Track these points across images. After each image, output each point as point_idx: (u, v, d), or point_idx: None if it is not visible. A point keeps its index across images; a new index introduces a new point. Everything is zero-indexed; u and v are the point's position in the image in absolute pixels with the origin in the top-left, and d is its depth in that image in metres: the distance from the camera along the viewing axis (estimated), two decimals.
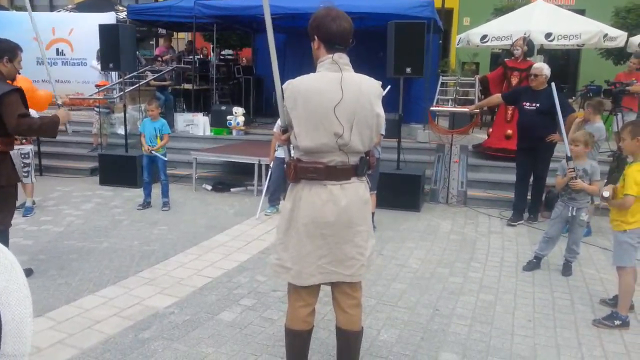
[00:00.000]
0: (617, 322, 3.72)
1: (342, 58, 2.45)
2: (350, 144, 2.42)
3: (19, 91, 3.99)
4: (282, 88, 2.48)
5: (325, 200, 2.45)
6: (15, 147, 6.26)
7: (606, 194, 3.81)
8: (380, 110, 2.48)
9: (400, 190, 6.82)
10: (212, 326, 3.59)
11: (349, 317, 2.65)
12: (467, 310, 3.96)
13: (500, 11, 13.31)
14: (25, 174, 6.32)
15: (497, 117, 8.21)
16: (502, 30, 10.25)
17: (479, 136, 9.27)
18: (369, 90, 2.45)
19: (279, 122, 2.65)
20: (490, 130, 8.38)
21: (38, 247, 5.19)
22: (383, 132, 5.59)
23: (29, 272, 4.45)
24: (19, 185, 6.37)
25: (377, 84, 2.52)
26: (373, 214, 5.85)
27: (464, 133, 7.89)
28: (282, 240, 2.58)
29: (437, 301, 4.10)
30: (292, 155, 2.57)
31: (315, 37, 2.47)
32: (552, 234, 4.79)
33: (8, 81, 4.05)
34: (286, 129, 2.54)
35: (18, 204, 6.43)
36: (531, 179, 6.39)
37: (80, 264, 4.74)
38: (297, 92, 2.40)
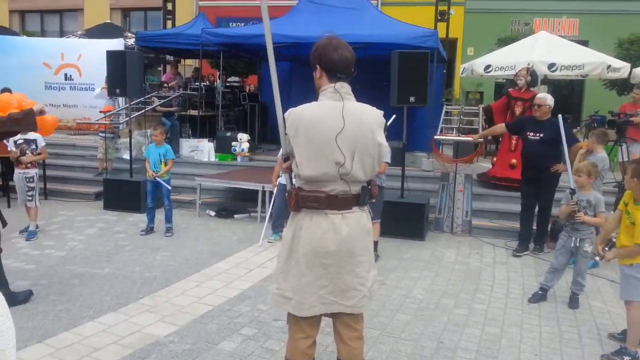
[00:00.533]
0: (626, 358, 3.64)
1: (344, 87, 2.46)
2: (352, 173, 2.41)
3: None
4: (283, 116, 2.47)
5: (326, 230, 2.43)
6: (20, 170, 6.34)
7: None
8: (382, 139, 2.48)
9: (404, 219, 6.78)
10: (212, 356, 3.53)
11: (351, 350, 2.59)
12: (472, 343, 3.89)
13: (503, 42, 13.43)
14: (30, 198, 6.33)
15: (501, 146, 8.21)
16: (506, 60, 10.32)
17: (484, 165, 9.27)
18: (370, 119, 2.45)
19: None
20: (495, 159, 8.37)
21: (40, 271, 5.16)
22: (389, 161, 5.61)
23: (29, 294, 4.41)
24: (24, 209, 6.41)
25: (378, 112, 2.52)
26: (376, 242, 5.82)
27: (468, 162, 7.89)
28: (283, 270, 2.55)
29: (441, 333, 4.03)
30: (294, 183, 2.56)
31: (317, 67, 2.48)
32: (557, 265, 4.73)
33: None
34: (288, 157, 2.53)
35: (22, 227, 6.46)
36: (537, 209, 6.36)
37: (81, 290, 4.70)
38: (298, 120, 2.40)
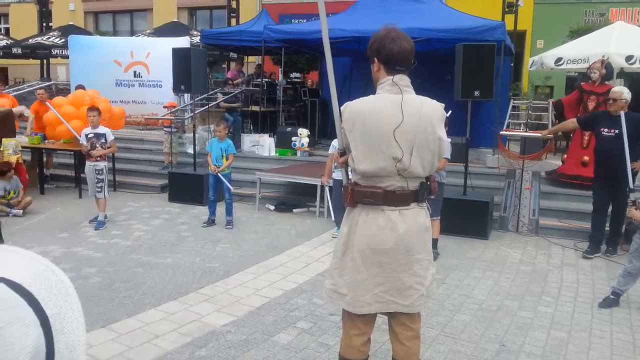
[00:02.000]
0: None
1: (403, 80, 2.37)
2: (410, 168, 2.33)
3: None
4: (340, 110, 2.42)
5: (382, 226, 2.36)
6: (90, 163, 6.64)
7: None
8: (442, 133, 2.38)
9: (466, 217, 6.57)
10: (267, 348, 3.54)
11: (407, 350, 2.51)
12: (537, 347, 3.70)
13: (576, 33, 12.78)
14: (99, 189, 6.61)
15: (572, 142, 7.81)
16: (579, 52, 9.79)
17: (553, 162, 8.84)
18: (430, 112, 2.36)
19: (334, 142, 2.61)
20: (565, 156, 7.97)
21: (107, 259, 5.38)
22: (448, 157, 5.45)
23: None
24: (94, 199, 6.70)
25: (439, 106, 2.43)
26: (436, 240, 5.68)
27: (536, 159, 7.53)
28: (338, 265, 2.50)
29: (503, 336, 3.86)
30: (350, 178, 2.50)
31: (375, 59, 2.41)
32: (632, 269, 4.42)
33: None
34: (344, 152, 2.48)
35: (92, 217, 6.76)
36: (610, 209, 5.99)
37: (145, 278, 4.85)
38: (355, 114, 2.35)
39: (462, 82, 6.45)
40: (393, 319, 2.52)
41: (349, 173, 2.53)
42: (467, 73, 6.42)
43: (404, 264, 2.38)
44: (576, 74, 12.21)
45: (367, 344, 2.57)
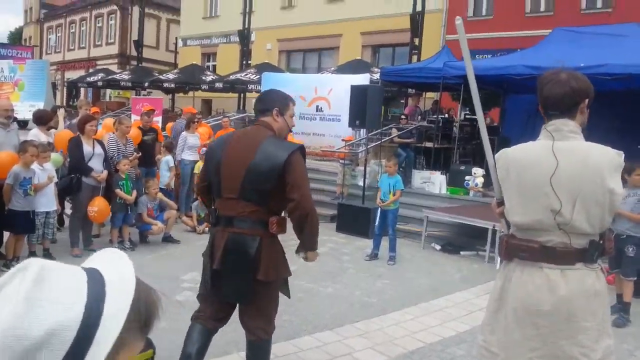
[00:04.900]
0: None
1: (559, 124, 2.17)
2: (573, 222, 2.07)
3: (302, 151, 3.03)
4: (494, 158, 2.32)
5: (538, 285, 2.13)
6: None
7: None
8: (614, 185, 2.07)
9: None
10: None
11: None
12: None
13: None
14: None
15: None
16: None
17: None
18: (599, 161, 2.09)
19: None
20: None
21: None
22: None
23: None
24: None
25: (613, 153, 2.13)
26: (629, 304, 4.95)
27: None
28: (490, 322, 2.32)
29: None
30: (509, 230, 2.32)
31: None
32: None
33: None
34: (502, 202, 2.33)
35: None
36: None
37: (305, 304, 4.98)
38: (510, 161, 2.23)
39: None
40: None
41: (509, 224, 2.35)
42: None
43: (565, 330, 2.10)
44: None
45: None
